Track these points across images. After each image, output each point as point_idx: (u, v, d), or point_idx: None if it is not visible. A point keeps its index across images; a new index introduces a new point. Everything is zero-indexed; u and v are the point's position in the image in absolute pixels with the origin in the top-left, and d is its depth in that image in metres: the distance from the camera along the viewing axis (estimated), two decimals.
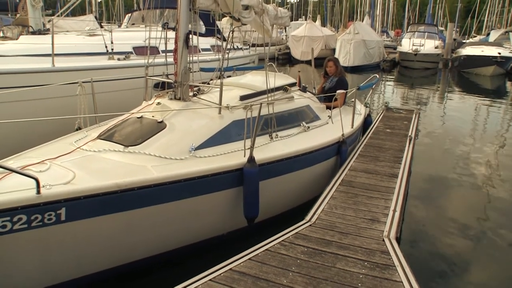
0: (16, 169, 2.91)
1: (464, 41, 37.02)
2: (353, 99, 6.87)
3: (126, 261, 3.68)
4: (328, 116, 5.96)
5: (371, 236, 3.63)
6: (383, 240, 3.55)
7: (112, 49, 8.04)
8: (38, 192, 2.90)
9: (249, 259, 3.21)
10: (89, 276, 3.52)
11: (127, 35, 9.11)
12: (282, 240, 3.48)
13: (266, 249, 3.34)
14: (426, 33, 27.37)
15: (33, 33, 8.40)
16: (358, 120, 6.58)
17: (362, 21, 31.80)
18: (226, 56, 5.05)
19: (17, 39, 7.93)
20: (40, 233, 3.01)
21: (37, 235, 3.01)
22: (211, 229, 4.18)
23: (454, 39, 32.54)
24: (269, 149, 4.49)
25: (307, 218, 3.91)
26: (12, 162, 3.57)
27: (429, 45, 25.95)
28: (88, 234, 3.30)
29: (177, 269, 3.96)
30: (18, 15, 9.83)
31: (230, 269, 3.08)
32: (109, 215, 3.29)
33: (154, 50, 5.62)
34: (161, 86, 5.42)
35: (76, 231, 3.20)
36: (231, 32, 5.60)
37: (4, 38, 8.89)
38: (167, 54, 5.29)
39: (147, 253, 3.80)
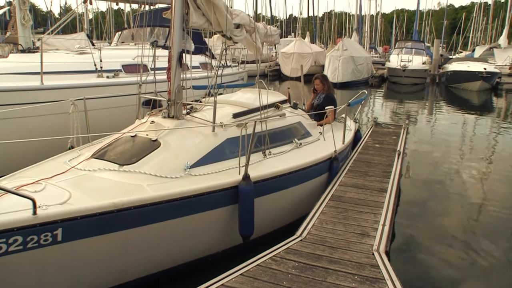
0: (13, 190, 2.92)
1: (450, 56, 37.81)
2: (343, 115, 6.99)
3: (121, 281, 3.68)
4: (319, 132, 6.06)
5: (361, 250, 3.70)
6: (373, 254, 3.61)
7: (101, 67, 8.07)
8: (35, 212, 2.90)
9: (241, 274, 3.26)
10: None
11: (116, 53, 9.19)
12: (273, 256, 3.53)
13: (257, 265, 3.38)
14: (414, 49, 27.89)
15: (23, 51, 8.46)
16: (349, 136, 6.70)
17: (351, 37, 32.38)
18: (218, 73, 5.15)
19: (7, 57, 7.97)
20: (36, 254, 3.00)
21: (33, 256, 3.00)
22: (206, 247, 4.20)
23: (441, 55, 33.19)
24: (263, 166, 4.56)
25: (298, 233, 3.97)
26: (6, 182, 3.58)
27: (416, 61, 26.43)
28: (85, 254, 3.30)
29: (169, 287, 3.97)
30: (8, 33, 9.89)
31: (222, 284, 3.12)
32: (106, 234, 3.30)
33: (144, 68, 5.70)
34: (149, 104, 5.48)
35: (73, 251, 3.20)
36: (224, 51, 5.71)
37: None
38: (157, 72, 5.37)
39: (142, 272, 3.80)
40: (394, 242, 4.80)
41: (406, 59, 25.97)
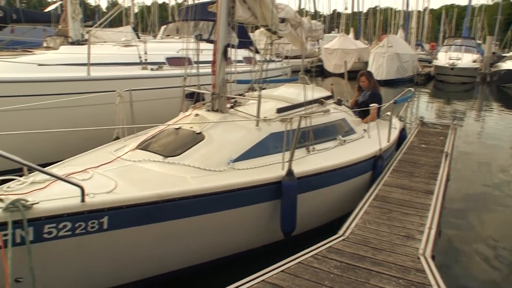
0: (63, 177, 3.00)
1: (504, 54, 35.87)
2: (388, 113, 6.79)
3: (161, 271, 3.74)
4: (364, 129, 5.91)
5: (406, 253, 3.57)
6: (419, 258, 3.48)
7: (146, 60, 8.23)
8: (83, 200, 2.98)
9: (282, 271, 3.22)
10: (126, 285, 3.58)
11: (161, 46, 9.34)
12: (315, 254, 3.47)
13: (299, 262, 3.34)
14: (464, 47, 26.70)
15: (72, 43, 8.76)
16: (394, 135, 6.50)
17: (396, 34, 31.42)
18: (263, 68, 5.12)
19: (57, 48, 8.29)
20: (83, 240, 3.09)
21: (80, 242, 3.09)
22: (247, 242, 4.20)
23: (493, 53, 31.60)
24: (307, 162, 4.49)
25: (340, 232, 3.88)
26: (57, 169, 3.70)
27: (466, 59, 25.28)
28: (128, 243, 3.37)
29: (209, 281, 3.99)
30: (59, 26, 10.31)
31: (263, 280, 3.10)
32: (149, 225, 3.35)
33: (188, 61, 5.75)
34: (191, 97, 5.51)
35: (117, 239, 3.27)
36: (268, 45, 5.66)
37: (47, 48, 9.33)
38: (200, 65, 5.40)
39: (183, 264, 3.84)
40: (439, 247, 4.61)
41: (455, 56, 24.90)
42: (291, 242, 4.24)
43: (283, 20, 5.86)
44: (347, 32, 33.52)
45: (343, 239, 3.75)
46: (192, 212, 3.54)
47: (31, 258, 2.80)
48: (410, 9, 35.21)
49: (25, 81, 6.35)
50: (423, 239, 3.80)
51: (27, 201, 2.79)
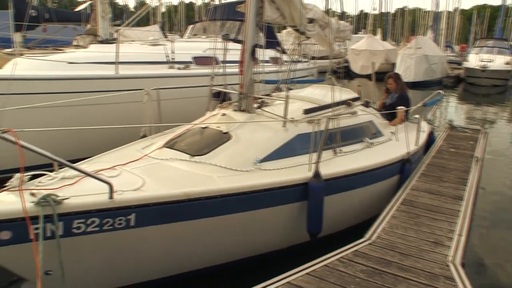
0: (93, 174, 3.07)
1: None
2: (416, 116, 6.65)
3: (185, 270, 3.77)
4: (391, 132, 5.82)
5: (434, 259, 3.48)
6: (448, 265, 3.39)
7: (173, 59, 8.31)
8: (111, 197, 3.03)
9: (307, 273, 3.20)
10: (151, 281, 3.63)
11: (188, 46, 9.42)
12: (341, 257, 3.43)
13: (324, 265, 3.30)
14: (496, 48, 25.89)
15: (101, 42, 8.94)
16: (422, 138, 6.37)
17: (425, 35, 30.79)
18: (291, 68, 5.10)
19: (87, 47, 8.47)
20: (110, 236, 3.14)
21: (107, 238, 3.14)
22: (272, 243, 4.19)
23: None
24: (334, 164, 4.46)
25: (367, 236, 3.82)
26: (86, 165, 3.77)
27: (499, 61, 24.49)
28: (154, 240, 3.41)
29: (233, 281, 4.00)
30: (89, 25, 10.56)
31: (288, 282, 3.08)
32: (175, 223, 3.38)
33: (215, 61, 5.76)
34: (217, 96, 5.54)
35: (144, 237, 3.31)
36: (296, 45, 5.64)
37: (77, 46, 9.57)
38: (227, 64, 5.42)
39: (207, 263, 3.86)
40: (469, 254, 4.48)
41: (487, 58, 24.18)
42: (317, 244, 4.22)
43: (311, 21, 5.83)
44: (374, 33, 33.00)
45: (370, 243, 3.69)
46: (218, 211, 3.55)
47: (60, 252, 2.87)
48: (439, 10, 34.45)
49: (55, 78, 6.51)
50: (453, 246, 3.70)
51: (57, 196, 2.86)
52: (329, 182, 4.04)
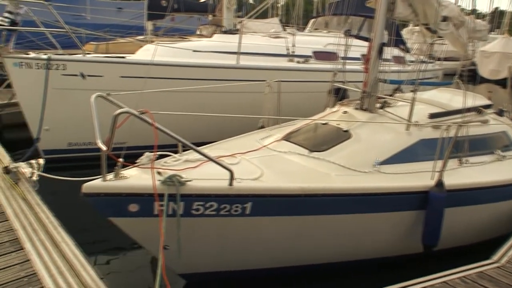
0: (216, 160, 3.13)
1: None
2: None
3: (290, 264, 3.80)
4: None
5: None
6: None
7: (293, 52, 8.33)
8: (231, 184, 3.12)
9: (424, 287, 3.03)
10: (255, 270, 3.72)
11: (308, 40, 9.38)
12: (463, 276, 3.19)
13: (444, 281, 3.10)
14: None
15: (225, 32, 9.32)
16: None
17: None
18: (420, 69, 4.81)
19: (210, 37, 8.88)
20: (226, 221, 3.27)
21: (222, 223, 3.27)
22: (383, 249, 4.06)
23: None
24: (458, 174, 4.15)
25: (495, 258, 3.49)
26: (207, 151, 3.88)
27: None
28: (266, 231, 3.47)
29: (330, 283, 3.95)
30: (211, 16, 11.13)
31: None
32: (288, 216, 3.41)
33: (334, 56, 5.66)
34: (336, 93, 5.45)
35: (257, 226, 3.39)
36: (428, 45, 5.32)
37: (200, 36, 10.14)
38: (348, 61, 5.29)
39: (312, 260, 3.86)
40: None
41: None
42: (430, 257, 3.98)
43: (445, 19, 5.44)
44: (511, 34, 29.56)
45: (498, 267, 3.36)
46: (332, 210, 3.52)
47: (179, 230, 3.04)
48: None
49: (181, 65, 6.97)
50: None
51: (182, 177, 3.01)
52: (452, 194, 3.77)
